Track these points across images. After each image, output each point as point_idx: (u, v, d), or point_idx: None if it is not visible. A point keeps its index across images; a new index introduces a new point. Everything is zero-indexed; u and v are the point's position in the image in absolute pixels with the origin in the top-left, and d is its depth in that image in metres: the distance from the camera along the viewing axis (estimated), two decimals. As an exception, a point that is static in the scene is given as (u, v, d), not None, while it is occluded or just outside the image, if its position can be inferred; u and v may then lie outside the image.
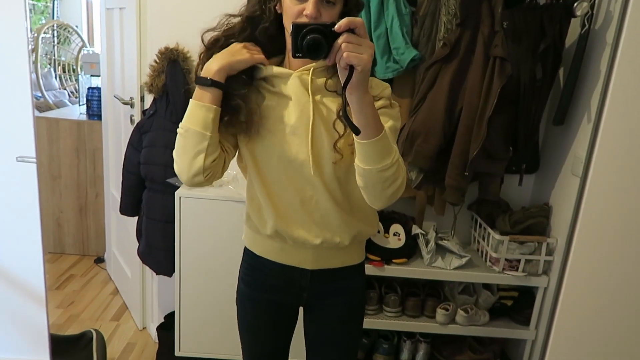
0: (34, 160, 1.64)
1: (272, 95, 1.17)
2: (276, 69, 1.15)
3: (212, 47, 1.15)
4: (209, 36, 1.17)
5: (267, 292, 1.33)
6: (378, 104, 1.14)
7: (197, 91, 1.10)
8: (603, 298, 0.93)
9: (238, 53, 1.11)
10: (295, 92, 1.15)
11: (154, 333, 2.48)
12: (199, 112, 1.09)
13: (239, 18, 1.17)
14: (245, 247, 1.36)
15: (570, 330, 0.95)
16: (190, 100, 1.11)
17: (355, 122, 1.00)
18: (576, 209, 0.87)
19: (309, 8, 1.05)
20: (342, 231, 1.24)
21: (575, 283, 0.92)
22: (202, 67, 1.12)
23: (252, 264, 1.33)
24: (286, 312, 1.37)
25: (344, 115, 1.01)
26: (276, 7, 1.13)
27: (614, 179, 0.88)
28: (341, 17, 1.00)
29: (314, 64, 1.14)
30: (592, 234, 0.90)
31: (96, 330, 1.93)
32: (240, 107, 1.13)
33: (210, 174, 1.13)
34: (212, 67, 1.09)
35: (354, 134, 1.02)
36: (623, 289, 0.93)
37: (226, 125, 1.15)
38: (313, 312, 1.36)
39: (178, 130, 1.13)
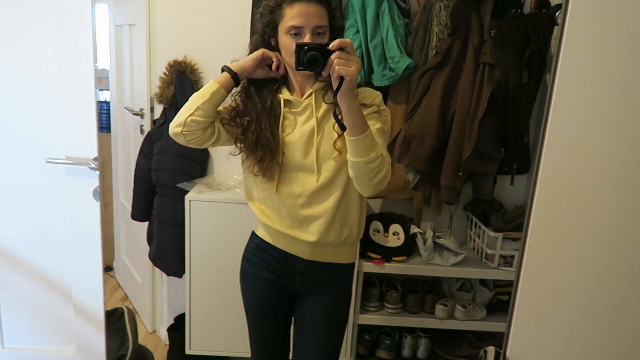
0: (95, 166, 1.70)
1: (289, 114, 1.41)
2: (289, 96, 1.40)
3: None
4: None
5: (267, 270, 1.50)
6: (370, 109, 1.36)
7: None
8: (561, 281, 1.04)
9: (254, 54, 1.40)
10: (304, 110, 1.39)
11: (163, 335, 2.57)
12: (206, 86, 1.38)
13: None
14: (253, 231, 1.55)
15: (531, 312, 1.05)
16: None
17: (345, 122, 1.23)
18: (529, 206, 0.99)
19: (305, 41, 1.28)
20: (335, 231, 1.43)
21: (531, 277, 1.03)
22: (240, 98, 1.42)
23: (257, 244, 1.51)
24: (282, 294, 1.52)
25: (334, 115, 1.24)
26: (271, 41, 1.37)
27: (563, 175, 0.99)
28: (331, 40, 1.25)
29: (314, 87, 1.38)
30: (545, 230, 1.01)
31: (127, 307, 2.03)
32: (249, 122, 1.39)
33: (188, 132, 1.36)
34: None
35: (345, 132, 1.24)
36: (582, 280, 1.04)
37: (229, 123, 1.41)
38: (302, 301, 1.51)
39: None
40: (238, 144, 1.42)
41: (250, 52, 1.41)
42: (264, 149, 1.36)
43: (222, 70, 1.39)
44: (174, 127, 1.37)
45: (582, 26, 0.94)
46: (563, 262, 1.03)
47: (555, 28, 1.98)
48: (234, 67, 1.38)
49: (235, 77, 1.37)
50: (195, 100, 1.36)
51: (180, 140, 1.39)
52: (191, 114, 1.34)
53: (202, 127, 1.36)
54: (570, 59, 0.94)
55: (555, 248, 1.02)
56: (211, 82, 1.38)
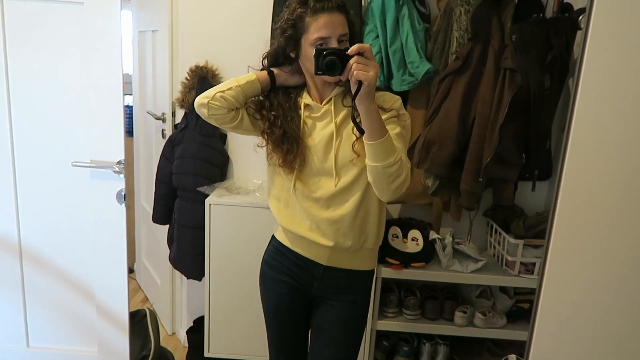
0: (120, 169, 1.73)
1: (309, 119, 1.43)
2: (310, 101, 1.43)
3: None
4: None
5: (286, 274, 1.51)
6: (389, 114, 1.37)
7: None
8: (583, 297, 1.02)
9: None
10: (324, 116, 1.41)
11: (182, 337, 2.59)
12: (245, 75, 1.41)
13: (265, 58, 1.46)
14: (273, 235, 1.56)
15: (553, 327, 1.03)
16: None
17: (363, 127, 1.24)
18: (552, 212, 0.97)
19: None
20: (354, 236, 1.43)
21: (555, 284, 1.01)
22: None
23: (277, 248, 1.53)
24: (300, 298, 1.53)
25: (352, 118, 1.26)
26: (291, 54, 1.39)
27: (587, 181, 0.97)
28: (349, 46, 1.26)
29: (334, 93, 1.39)
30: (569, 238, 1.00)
31: (149, 309, 2.07)
32: (275, 118, 1.41)
33: (213, 105, 1.37)
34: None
35: (363, 136, 1.26)
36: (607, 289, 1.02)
37: (255, 116, 1.44)
38: (319, 306, 1.52)
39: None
40: (265, 137, 1.44)
41: (269, 62, 1.45)
42: (291, 142, 1.39)
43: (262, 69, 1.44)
44: (201, 98, 1.39)
45: (607, 30, 0.93)
46: (586, 270, 1.01)
47: (578, 32, 1.95)
48: (273, 69, 1.43)
49: (272, 77, 1.41)
50: (229, 82, 1.40)
51: (203, 113, 1.40)
52: (222, 91, 1.37)
53: (227, 107, 1.38)
54: (594, 63, 0.93)
55: (579, 255, 1.01)
56: (250, 73, 1.42)
